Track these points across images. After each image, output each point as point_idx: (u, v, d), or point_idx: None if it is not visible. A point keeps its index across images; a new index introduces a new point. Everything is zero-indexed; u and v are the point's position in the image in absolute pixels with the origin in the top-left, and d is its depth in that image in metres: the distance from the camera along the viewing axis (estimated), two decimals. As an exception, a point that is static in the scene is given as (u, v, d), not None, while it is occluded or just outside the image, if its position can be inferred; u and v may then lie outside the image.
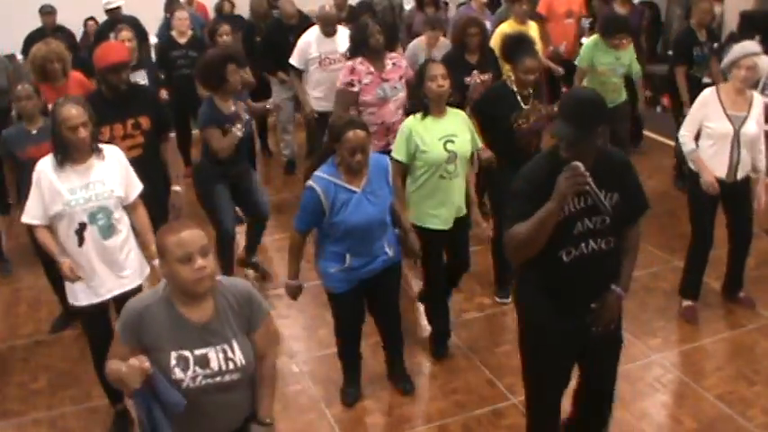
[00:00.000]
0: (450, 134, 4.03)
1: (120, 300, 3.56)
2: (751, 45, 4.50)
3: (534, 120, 4.47)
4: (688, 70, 6.18)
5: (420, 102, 4.09)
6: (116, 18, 7.81)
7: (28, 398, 4.24)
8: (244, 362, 2.45)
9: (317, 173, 3.52)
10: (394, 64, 5.10)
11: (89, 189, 3.44)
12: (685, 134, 4.53)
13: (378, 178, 3.58)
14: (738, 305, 4.71)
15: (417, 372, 4.31)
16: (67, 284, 3.59)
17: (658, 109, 8.62)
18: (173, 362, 2.38)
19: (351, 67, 5.03)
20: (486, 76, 5.45)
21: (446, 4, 10.57)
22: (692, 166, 4.54)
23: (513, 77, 4.49)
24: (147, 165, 4.29)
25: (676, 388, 4.09)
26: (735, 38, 5.82)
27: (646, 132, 7.70)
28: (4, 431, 3.99)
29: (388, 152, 4.96)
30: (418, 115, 4.08)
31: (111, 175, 3.52)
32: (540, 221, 2.68)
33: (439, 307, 4.46)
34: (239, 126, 4.64)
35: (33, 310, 5.17)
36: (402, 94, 5.07)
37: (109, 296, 3.61)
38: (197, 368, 2.39)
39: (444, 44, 6.20)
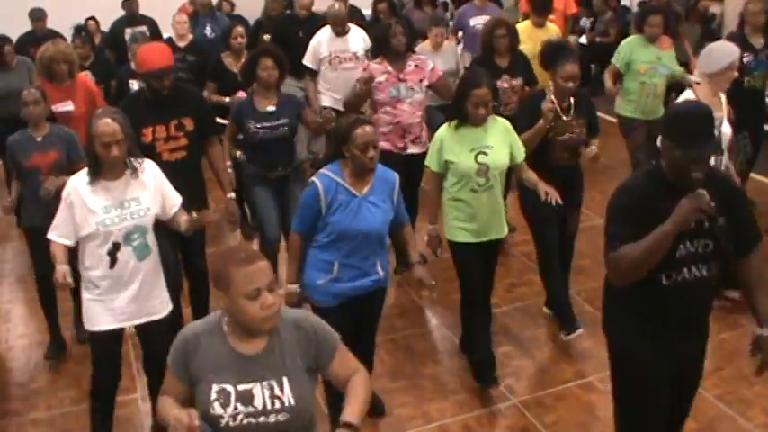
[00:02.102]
0: (483, 145, 3.84)
1: (146, 331, 3.46)
2: (732, 45, 4.52)
3: (574, 134, 4.25)
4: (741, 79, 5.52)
5: (457, 111, 3.89)
6: (133, 14, 7.81)
7: (28, 398, 4.24)
8: (293, 402, 2.19)
9: (322, 170, 3.46)
10: (417, 66, 5.01)
11: (124, 208, 3.25)
12: None
13: (381, 191, 3.46)
14: (738, 305, 4.70)
15: (417, 372, 4.31)
16: (86, 308, 3.36)
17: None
18: (212, 395, 2.18)
19: (365, 66, 5.07)
20: (516, 81, 5.35)
21: (445, 4, 10.57)
22: None
23: (551, 86, 4.28)
24: (190, 169, 4.18)
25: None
26: (735, 38, 5.77)
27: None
28: (4, 430, 3.98)
29: (407, 156, 4.99)
30: (452, 124, 3.90)
31: (147, 192, 3.32)
32: (654, 244, 2.52)
33: (477, 332, 4.12)
34: (261, 126, 4.50)
35: (33, 311, 5.16)
36: (419, 96, 4.98)
37: (131, 323, 3.40)
38: (238, 405, 2.17)
39: (449, 47, 6.12)
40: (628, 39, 6.01)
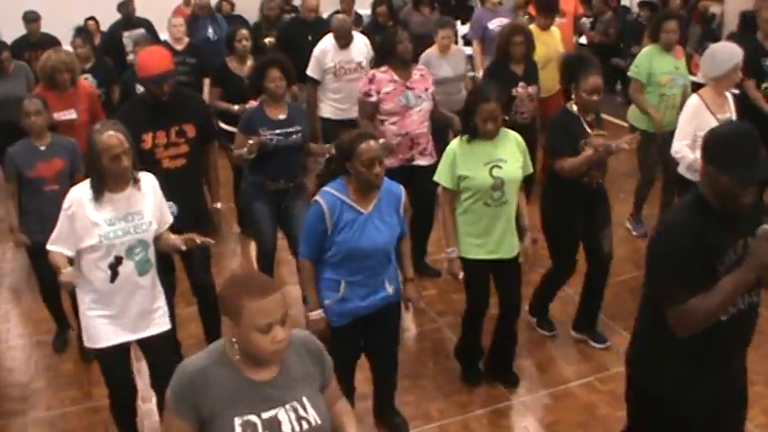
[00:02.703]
0: (497, 159, 3.75)
1: (147, 345, 3.41)
2: (735, 46, 4.52)
3: (602, 150, 4.02)
4: (759, 84, 5.61)
5: (466, 125, 3.81)
6: (129, 17, 7.76)
7: (28, 398, 4.24)
8: (319, 420, 2.14)
9: (325, 188, 3.32)
10: (422, 75, 4.92)
11: (128, 221, 3.19)
12: (680, 147, 4.46)
13: (388, 205, 3.35)
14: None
15: (417, 372, 4.31)
16: (87, 326, 3.31)
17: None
18: (238, 430, 2.05)
19: (371, 76, 4.87)
20: (532, 89, 5.28)
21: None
22: (692, 176, 4.47)
23: (574, 100, 4.12)
24: (190, 176, 4.09)
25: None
26: (735, 38, 5.78)
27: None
28: (4, 431, 3.98)
29: (413, 168, 4.88)
30: (464, 138, 3.81)
31: (149, 206, 3.27)
32: (730, 295, 2.37)
33: (472, 340, 4.14)
34: (273, 133, 4.35)
35: (33, 311, 5.16)
36: (427, 105, 4.87)
37: (134, 337, 3.35)
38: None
39: (457, 51, 6.03)
40: (644, 50, 5.73)
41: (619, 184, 6.48)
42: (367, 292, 3.38)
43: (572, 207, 4.22)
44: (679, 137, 4.50)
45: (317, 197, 3.30)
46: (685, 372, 2.58)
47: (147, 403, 4.03)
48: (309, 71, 5.97)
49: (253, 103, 5.09)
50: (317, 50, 5.98)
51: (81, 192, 3.18)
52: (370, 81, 4.85)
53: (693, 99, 4.50)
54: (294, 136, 4.43)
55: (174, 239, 3.36)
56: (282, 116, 4.42)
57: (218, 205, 4.34)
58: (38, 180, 4.16)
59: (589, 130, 4.07)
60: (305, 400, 2.14)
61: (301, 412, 2.12)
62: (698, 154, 4.40)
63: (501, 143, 3.81)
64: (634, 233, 5.96)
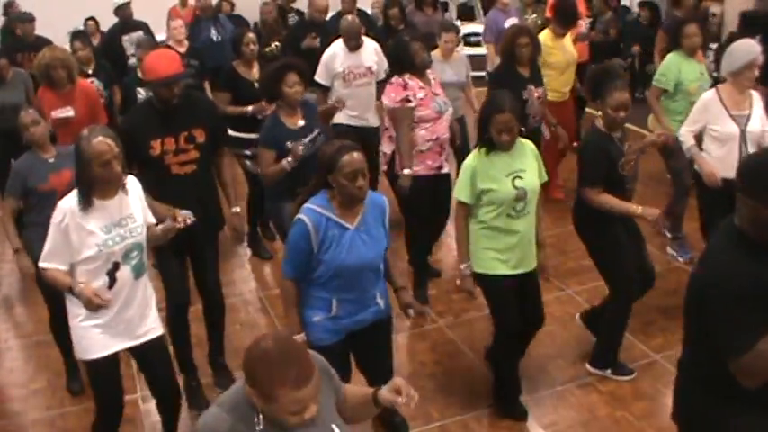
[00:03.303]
0: (518, 169, 3.63)
1: (144, 353, 3.33)
2: (754, 43, 4.52)
3: (632, 161, 3.88)
4: None
5: (482, 137, 3.67)
6: (127, 20, 7.68)
7: (28, 398, 4.24)
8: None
9: (307, 205, 3.15)
10: (434, 80, 4.87)
11: (122, 226, 3.13)
12: (686, 132, 4.52)
13: (374, 218, 3.21)
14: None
15: (417, 372, 4.31)
16: (80, 337, 3.19)
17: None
18: None
19: (402, 83, 4.71)
20: (540, 91, 5.23)
21: (445, 4, 10.57)
22: (697, 168, 4.52)
23: (601, 117, 3.91)
24: (201, 183, 3.93)
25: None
26: (735, 38, 5.76)
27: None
28: (4, 431, 3.98)
29: (441, 176, 4.80)
30: (482, 150, 3.65)
31: (137, 208, 3.22)
32: None
33: (510, 370, 3.92)
34: (304, 142, 4.18)
35: (33, 311, 5.16)
36: (451, 110, 4.89)
37: (130, 344, 3.26)
38: None
39: (459, 57, 5.92)
40: (669, 57, 5.43)
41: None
42: (358, 308, 3.25)
43: (614, 220, 3.94)
44: (687, 123, 4.54)
45: (300, 215, 3.12)
46: (759, 422, 2.38)
47: (146, 403, 4.04)
48: (318, 77, 5.69)
49: (265, 106, 5.01)
50: (325, 55, 5.76)
51: (70, 202, 3.07)
52: (405, 87, 4.70)
53: (709, 93, 4.53)
54: (319, 139, 4.31)
55: (162, 226, 3.28)
56: (302, 122, 4.30)
57: (237, 209, 4.15)
58: (51, 193, 3.82)
59: (624, 148, 3.87)
60: (334, 427, 2.08)
61: None
62: (706, 147, 4.43)
63: (518, 153, 3.69)
64: (680, 259, 5.42)
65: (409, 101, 4.67)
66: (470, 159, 3.70)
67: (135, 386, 4.17)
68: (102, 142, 3.00)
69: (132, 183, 3.27)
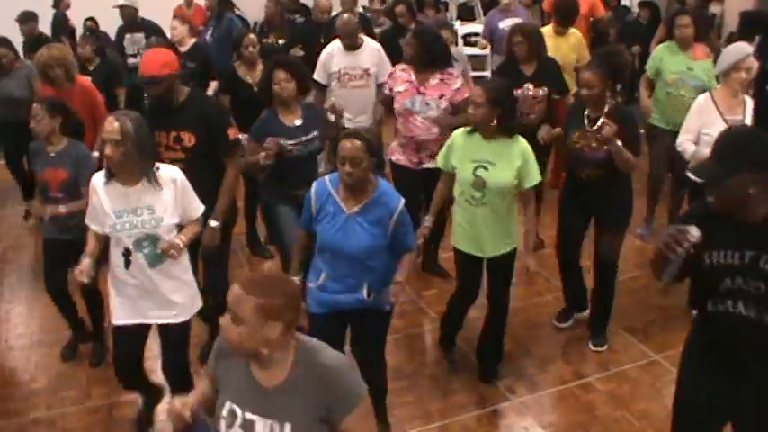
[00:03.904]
0: (485, 159, 3.76)
1: (163, 333, 3.47)
2: (746, 46, 4.50)
3: (588, 147, 4.07)
4: None
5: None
6: (128, 20, 7.63)
7: (28, 398, 4.23)
8: None
9: (326, 176, 3.40)
10: (442, 80, 4.78)
11: (137, 214, 3.21)
12: (683, 141, 4.47)
13: (376, 213, 3.26)
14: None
15: (417, 372, 4.31)
16: (111, 302, 3.43)
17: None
18: (223, 412, 2.18)
19: (393, 70, 5.00)
20: (541, 90, 5.08)
21: (446, 4, 10.57)
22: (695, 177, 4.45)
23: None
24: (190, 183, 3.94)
25: (676, 388, 4.09)
26: (735, 38, 5.76)
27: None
28: (4, 431, 3.98)
29: (423, 171, 4.82)
30: (468, 129, 3.87)
31: (163, 201, 3.23)
32: None
33: (450, 320, 4.33)
34: (286, 142, 4.15)
35: (33, 311, 5.16)
36: (432, 114, 4.74)
37: (145, 321, 3.42)
38: (240, 431, 2.16)
39: (456, 53, 5.80)
40: (659, 46, 5.66)
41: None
42: (342, 289, 3.35)
43: (571, 200, 4.41)
44: (683, 130, 4.51)
45: (317, 180, 3.41)
46: (686, 357, 2.77)
47: (147, 403, 4.04)
48: (315, 75, 5.63)
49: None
50: (323, 54, 5.73)
51: (98, 179, 3.29)
52: (390, 75, 4.96)
53: (702, 97, 4.50)
54: (314, 143, 4.29)
55: (165, 244, 3.28)
56: (298, 122, 4.26)
57: (213, 223, 3.98)
58: (45, 184, 4.12)
59: (588, 126, 4.07)
60: (287, 426, 2.10)
61: None
62: (704, 150, 4.43)
63: (500, 146, 3.76)
64: (642, 234, 5.85)
65: (386, 88, 4.97)
66: (456, 133, 3.93)
67: (135, 386, 4.17)
68: (109, 122, 3.16)
69: (169, 173, 3.28)
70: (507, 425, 3.89)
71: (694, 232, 2.38)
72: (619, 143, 3.89)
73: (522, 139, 3.82)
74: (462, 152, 3.83)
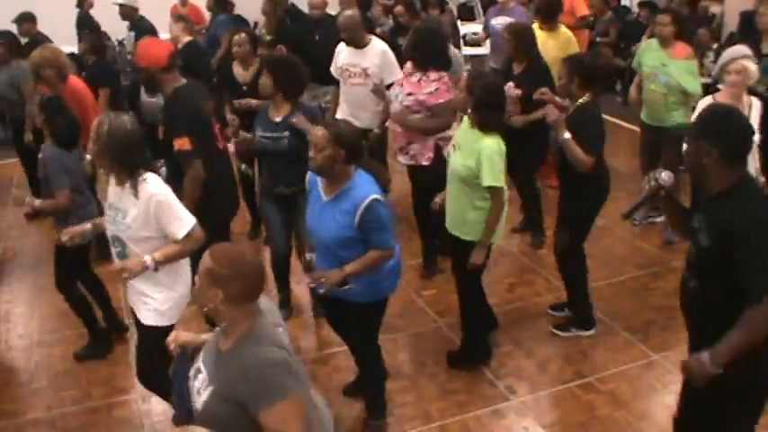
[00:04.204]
0: (458, 143, 4.03)
1: (136, 324, 3.50)
2: (740, 48, 4.51)
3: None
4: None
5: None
6: (131, 19, 7.65)
7: (28, 398, 4.23)
8: (199, 408, 2.34)
9: None
10: (419, 80, 4.78)
11: (115, 212, 3.28)
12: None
13: (345, 204, 3.29)
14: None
15: (417, 372, 4.31)
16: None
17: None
18: (192, 369, 2.49)
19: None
20: (511, 89, 5.07)
21: (446, 3, 10.57)
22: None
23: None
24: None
25: (677, 388, 4.05)
26: (735, 38, 5.78)
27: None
28: (4, 431, 3.98)
29: (410, 166, 5.04)
30: (468, 117, 4.04)
31: (135, 211, 3.19)
32: None
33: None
34: (264, 135, 4.34)
35: (33, 311, 5.16)
36: (396, 106, 4.84)
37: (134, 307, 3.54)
38: (196, 380, 2.43)
39: (452, 54, 5.94)
40: (647, 40, 5.88)
41: (625, 182, 6.46)
42: (322, 269, 3.47)
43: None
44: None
45: None
46: None
47: (145, 403, 4.04)
48: (331, 68, 5.74)
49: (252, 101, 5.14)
50: (336, 49, 5.73)
51: None
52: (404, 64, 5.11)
53: (706, 99, 4.54)
54: (281, 141, 4.32)
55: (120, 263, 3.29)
56: (278, 118, 4.35)
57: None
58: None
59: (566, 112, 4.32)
60: (210, 389, 2.31)
61: (202, 391, 2.35)
62: None
63: (474, 136, 3.88)
64: (668, 239, 5.73)
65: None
66: (466, 118, 4.09)
67: (134, 386, 4.16)
68: (95, 120, 3.28)
69: (151, 188, 3.18)
70: (507, 425, 3.89)
71: (665, 176, 2.66)
72: (567, 135, 4.07)
73: (488, 141, 3.82)
74: (461, 131, 4.07)
